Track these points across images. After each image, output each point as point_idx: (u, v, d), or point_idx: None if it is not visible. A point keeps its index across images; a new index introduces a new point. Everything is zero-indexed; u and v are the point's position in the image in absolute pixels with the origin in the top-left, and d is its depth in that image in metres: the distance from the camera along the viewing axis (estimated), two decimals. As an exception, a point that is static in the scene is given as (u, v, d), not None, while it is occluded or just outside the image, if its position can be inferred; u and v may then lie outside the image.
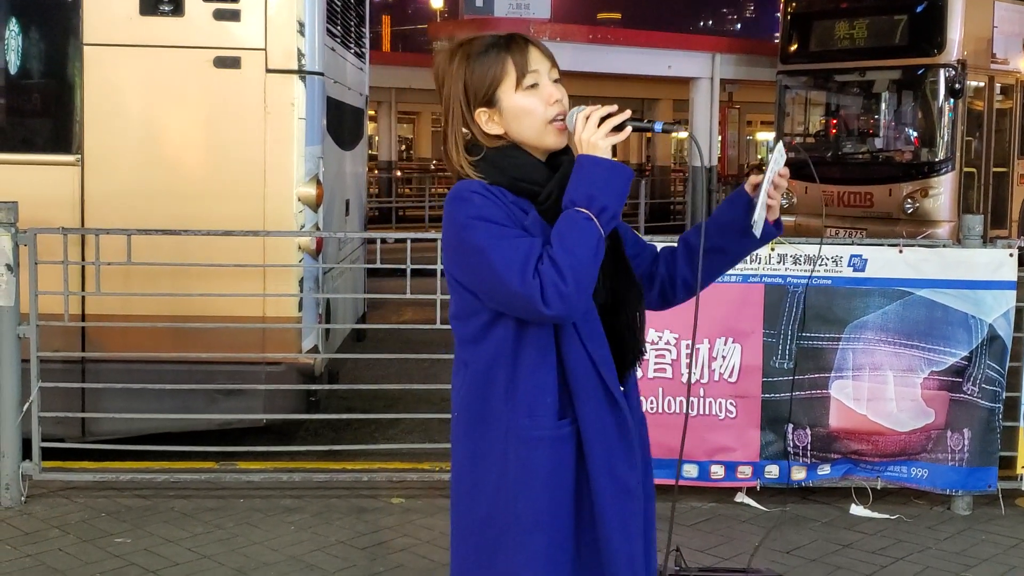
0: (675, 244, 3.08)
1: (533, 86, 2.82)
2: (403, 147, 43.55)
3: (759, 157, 42.65)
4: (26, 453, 6.28)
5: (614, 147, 2.82)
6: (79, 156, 6.90)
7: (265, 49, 6.86)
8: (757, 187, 2.89)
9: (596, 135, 2.74)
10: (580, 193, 2.70)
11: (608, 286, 2.87)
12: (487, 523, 2.87)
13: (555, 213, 2.75)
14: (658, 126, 2.87)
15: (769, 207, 2.91)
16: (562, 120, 2.82)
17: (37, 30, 7.10)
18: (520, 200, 2.80)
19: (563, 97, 2.85)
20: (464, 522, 2.94)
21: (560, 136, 2.83)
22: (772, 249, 6.17)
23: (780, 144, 2.90)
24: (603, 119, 2.76)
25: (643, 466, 2.96)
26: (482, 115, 2.84)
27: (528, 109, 2.81)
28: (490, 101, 2.83)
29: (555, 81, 2.86)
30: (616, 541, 2.81)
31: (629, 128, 2.78)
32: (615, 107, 2.79)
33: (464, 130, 2.89)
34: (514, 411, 2.80)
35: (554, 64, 2.88)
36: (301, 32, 6.91)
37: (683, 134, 2.92)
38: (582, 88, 28.73)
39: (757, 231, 2.90)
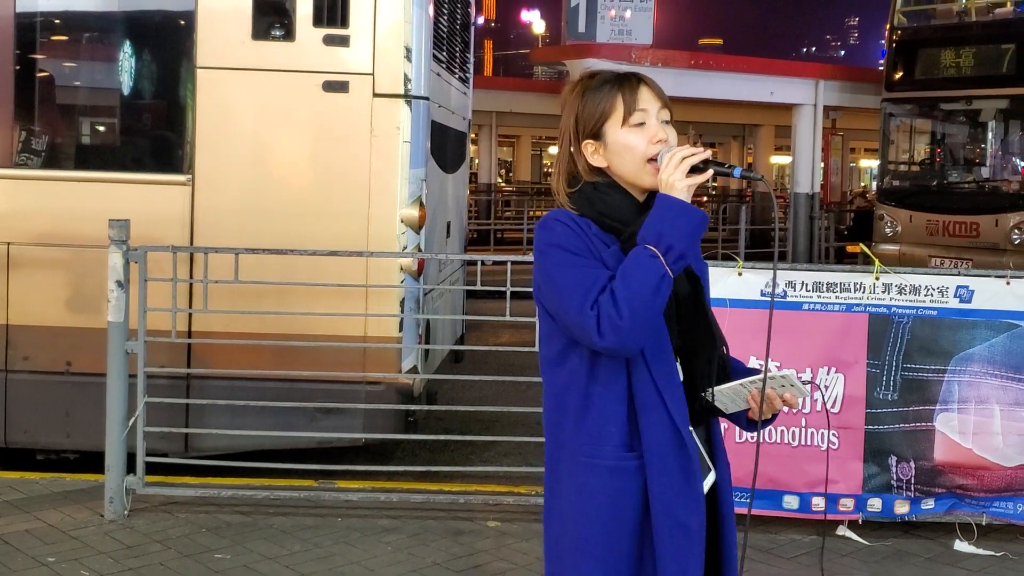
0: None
1: (639, 124, 2.86)
2: (503, 170, 43.74)
3: (862, 184, 42.11)
4: (130, 467, 6.39)
5: (717, 178, 2.82)
6: (190, 176, 7.04)
7: (373, 74, 6.96)
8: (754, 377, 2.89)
9: (674, 175, 2.77)
10: (650, 231, 2.74)
11: (680, 329, 2.89)
12: (556, 545, 2.94)
13: None
14: (737, 171, 2.88)
15: (752, 409, 2.92)
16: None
17: (151, 53, 7.28)
18: (604, 235, 2.85)
19: (670, 138, 2.88)
20: (545, 544, 3.01)
21: (657, 176, 2.84)
22: (877, 278, 6.09)
23: (791, 376, 2.89)
24: (684, 159, 2.79)
25: (722, 515, 2.98)
26: (588, 147, 2.89)
27: (630, 146, 2.86)
28: (597, 134, 2.88)
29: (665, 122, 2.90)
30: None
31: (711, 170, 2.81)
32: (702, 148, 2.82)
33: (570, 160, 2.94)
34: (580, 437, 2.85)
35: (666, 105, 2.91)
36: (408, 58, 6.99)
37: (758, 180, 2.92)
38: (683, 113, 28.63)
39: (722, 406, 2.93)
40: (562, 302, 2.79)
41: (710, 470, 2.95)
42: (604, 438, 2.83)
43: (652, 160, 2.84)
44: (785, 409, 2.95)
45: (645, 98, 2.87)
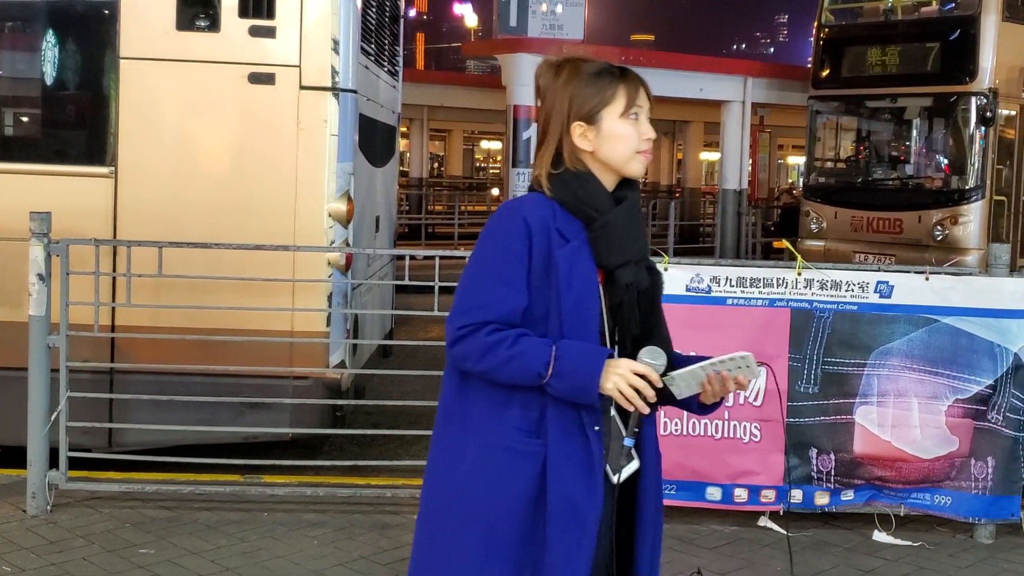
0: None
1: (635, 117, 3.02)
2: (434, 164, 43.66)
3: (789, 181, 42.56)
4: (53, 462, 6.32)
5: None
6: (113, 168, 6.97)
7: (299, 66, 6.93)
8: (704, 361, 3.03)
9: (615, 382, 2.86)
10: (571, 361, 2.84)
11: (641, 319, 3.05)
12: (444, 514, 3.00)
13: (604, 239, 2.93)
14: (628, 441, 2.95)
15: (704, 392, 3.04)
16: (648, 151, 3.03)
17: (74, 43, 7.19)
18: (571, 222, 2.94)
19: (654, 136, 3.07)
20: (426, 509, 3.10)
21: (642, 166, 3.05)
22: (799, 274, 6.17)
23: (750, 357, 3.01)
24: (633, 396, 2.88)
25: (654, 513, 3.07)
26: (577, 128, 3.00)
27: (626, 136, 3.01)
28: (591, 118, 3.00)
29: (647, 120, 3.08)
30: (560, 571, 2.89)
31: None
32: (645, 409, 2.91)
33: (558, 142, 3.04)
34: (487, 415, 2.95)
35: (651, 107, 3.08)
36: (335, 50, 6.97)
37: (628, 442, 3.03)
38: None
39: (676, 392, 3.02)
40: (463, 289, 2.92)
41: (633, 459, 3.00)
42: (507, 420, 2.92)
43: (641, 152, 3.01)
44: (736, 391, 3.08)
45: (643, 96, 3.05)
